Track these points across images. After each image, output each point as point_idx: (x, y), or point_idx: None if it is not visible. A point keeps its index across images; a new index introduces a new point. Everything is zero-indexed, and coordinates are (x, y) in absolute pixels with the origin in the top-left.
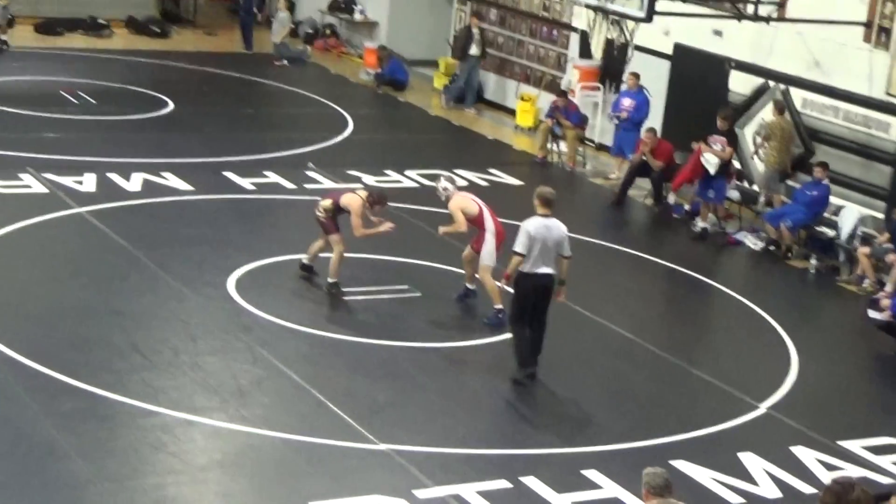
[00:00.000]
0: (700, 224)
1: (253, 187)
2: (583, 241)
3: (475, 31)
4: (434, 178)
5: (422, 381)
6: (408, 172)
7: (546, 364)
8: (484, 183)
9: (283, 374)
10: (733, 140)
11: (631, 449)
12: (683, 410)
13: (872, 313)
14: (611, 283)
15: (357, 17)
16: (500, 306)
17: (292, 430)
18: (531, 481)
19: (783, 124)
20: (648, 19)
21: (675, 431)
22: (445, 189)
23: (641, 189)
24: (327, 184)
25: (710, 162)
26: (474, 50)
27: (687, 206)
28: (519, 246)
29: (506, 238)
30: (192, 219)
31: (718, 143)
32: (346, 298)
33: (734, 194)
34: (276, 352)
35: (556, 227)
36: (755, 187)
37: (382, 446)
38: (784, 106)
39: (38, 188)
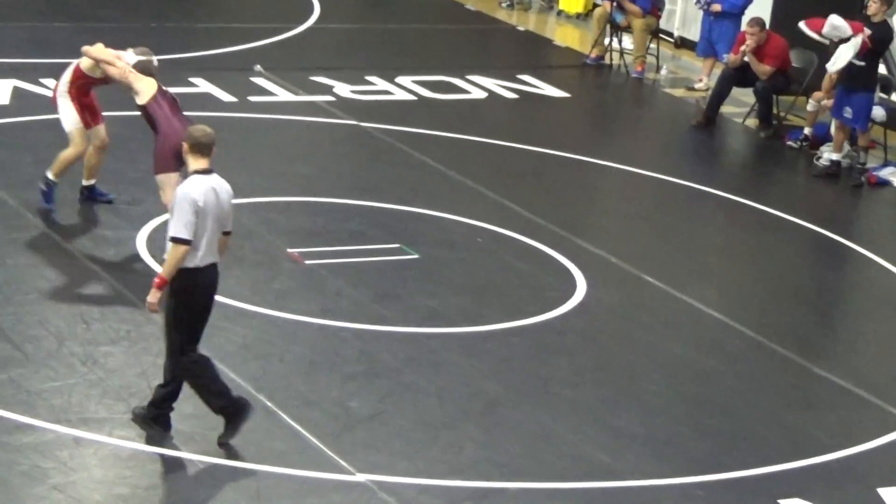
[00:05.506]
0: (828, 156)
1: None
2: (655, 179)
3: None
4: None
5: (414, 381)
6: (400, 79)
7: (595, 362)
8: (511, 94)
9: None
10: (887, 33)
11: (719, 482)
12: (800, 426)
13: None
14: (698, 243)
15: None
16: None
17: (228, 453)
18: None
19: None
20: None
21: (786, 457)
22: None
23: (741, 104)
24: (282, 95)
25: (841, 56)
26: None
27: (807, 130)
28: (183, 229)
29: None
30: None
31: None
32: (308, 263)
33: (878, 112)
34: (207, 339)
35: (225, 190)
36: None
37: (359, 477)
38: None
39: None
